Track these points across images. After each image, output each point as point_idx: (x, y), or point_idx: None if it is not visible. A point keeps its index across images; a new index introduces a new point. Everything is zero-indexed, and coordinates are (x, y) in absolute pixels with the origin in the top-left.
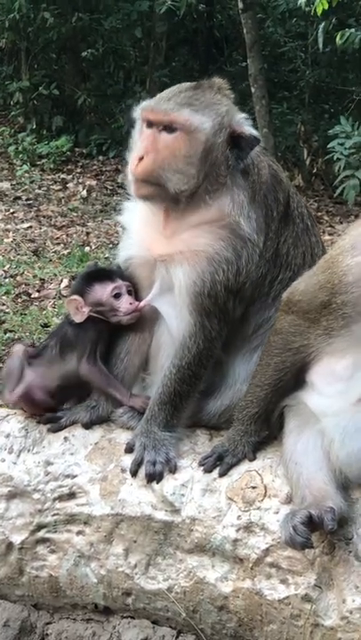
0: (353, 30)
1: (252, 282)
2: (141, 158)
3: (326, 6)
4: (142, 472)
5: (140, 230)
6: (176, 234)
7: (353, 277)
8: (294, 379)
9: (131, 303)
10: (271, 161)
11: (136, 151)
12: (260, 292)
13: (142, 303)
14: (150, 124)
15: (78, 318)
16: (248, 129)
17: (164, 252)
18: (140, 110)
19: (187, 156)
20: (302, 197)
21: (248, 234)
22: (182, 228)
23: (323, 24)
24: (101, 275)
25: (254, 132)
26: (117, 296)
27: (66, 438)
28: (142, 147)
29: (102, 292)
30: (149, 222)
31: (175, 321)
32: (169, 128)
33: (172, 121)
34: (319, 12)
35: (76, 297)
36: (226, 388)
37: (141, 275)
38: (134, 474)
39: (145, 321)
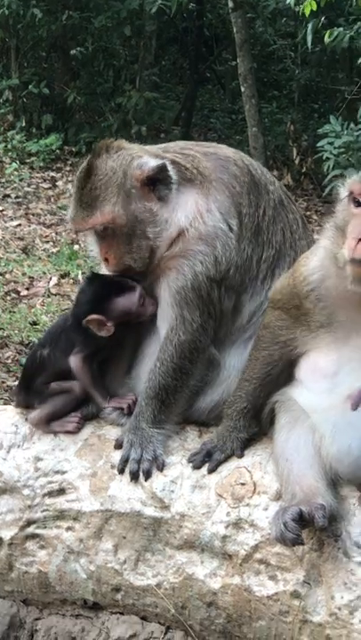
0: (341, 29)
1: (238, 267)
2: (106, 260)
3: (315, 7)
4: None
5: None
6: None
7: (312, 284)
8: (284, 374)
9: (153, 304)
10: (205, 147)
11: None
12: (250, 276)
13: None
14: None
15: (105, 333)
16: (148, 168)
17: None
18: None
19: (127, 239)
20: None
21: (213, 226)
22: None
23: (311, 23)
24: (119, 287)
25: (152, 164)
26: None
27: (56, 434)
28: (99, 252)
29: (130, 303)
30: None
31: (160, 319)
32: (100, 229)
33: (94, 225)
34: (307, 13)
35: (95, 317)
36: (218, 384)
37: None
38: (121, 471)
39: (137, 327)
